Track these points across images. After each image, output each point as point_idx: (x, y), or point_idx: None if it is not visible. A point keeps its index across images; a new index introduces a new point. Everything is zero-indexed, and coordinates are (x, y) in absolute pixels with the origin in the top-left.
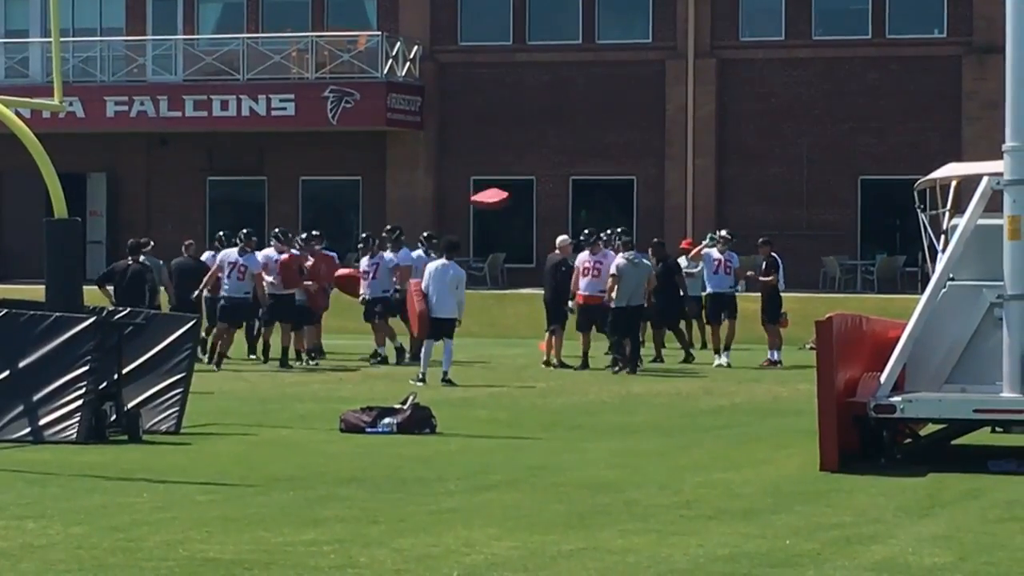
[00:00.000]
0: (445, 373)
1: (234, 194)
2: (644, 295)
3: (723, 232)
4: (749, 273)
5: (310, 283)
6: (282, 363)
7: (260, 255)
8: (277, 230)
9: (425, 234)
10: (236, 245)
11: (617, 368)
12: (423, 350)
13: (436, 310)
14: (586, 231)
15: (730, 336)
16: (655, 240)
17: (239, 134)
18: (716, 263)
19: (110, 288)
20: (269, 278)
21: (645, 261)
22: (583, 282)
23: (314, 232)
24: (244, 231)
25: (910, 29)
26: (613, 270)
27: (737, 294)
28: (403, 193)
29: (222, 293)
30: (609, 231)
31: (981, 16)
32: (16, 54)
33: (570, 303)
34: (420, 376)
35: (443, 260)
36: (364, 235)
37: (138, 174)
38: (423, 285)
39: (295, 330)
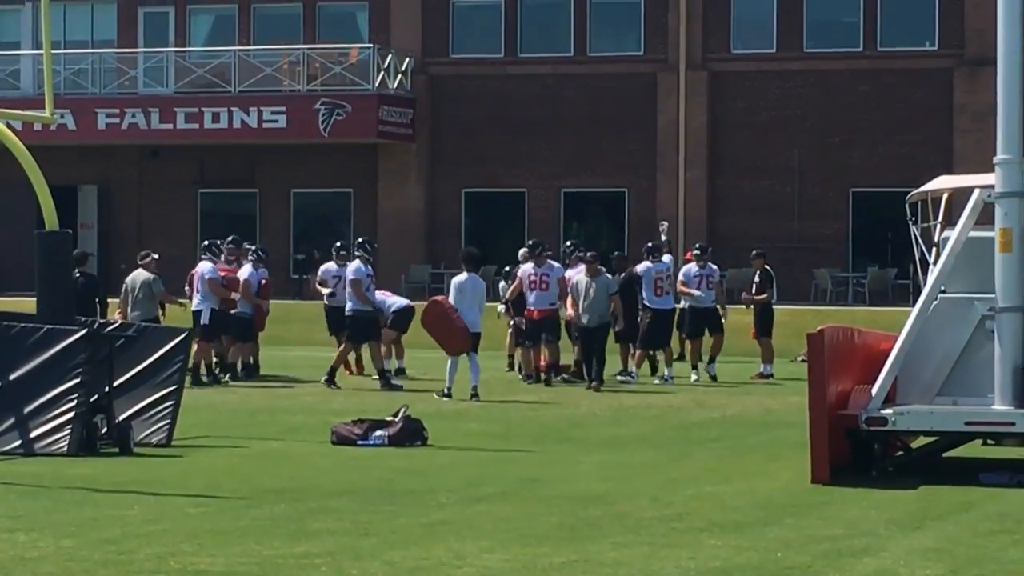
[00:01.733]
0: (475, 387)
1: (225, 206)
2: (610, 312)
3: (697, 245)
4: (744, 295)
5: (234, 294)
6: (197, 378)
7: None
8: (207, 243)
9: (360, 240)
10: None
11: (588, 385)
12: (450, 365)
13: (467, 324)
14: (530, 243)
15: (716, 349)
16: (615, 253)
17: (230, 146)
18: (697, 278)
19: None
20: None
21: (606, 276)
22: (532, 295)
23: (234, 239)
24: (216, 241)
25: (902, 42)
26: (572, 286)
27: (727, 307)
28: (395, 205)
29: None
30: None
31: (972, 29)
32: (7, 66)
33: (500, 308)
34: (446, 391)
35: (466, 273)
36: (338, 243)
37: (129, 186)
38: (451, 299)
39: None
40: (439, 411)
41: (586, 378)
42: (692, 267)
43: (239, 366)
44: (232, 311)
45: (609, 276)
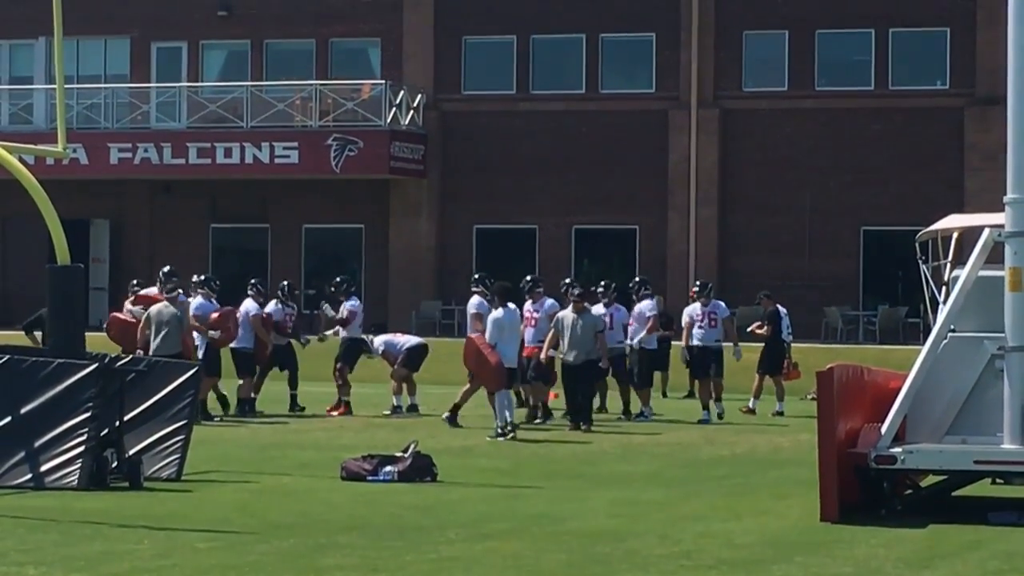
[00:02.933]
0: (510, 423)
1: (237, 241)
2: (597, 350)
3: (697, 282)
4: (749, 329)
5: (214, 332)
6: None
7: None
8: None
9: (252, 281)
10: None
11: (574, 427)
12: (498, 400)
13: (505, 360)
14: (528, 278)
15: (717, 389)
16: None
17: (242, 181)
18: (700, 316)
19: (37, 334)
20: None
21: (592, 313)
22: (528, 332)
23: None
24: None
25: (913, 81)
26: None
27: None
28: (406, 241)
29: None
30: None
31: (984, 68)
32: (20, 100)
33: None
34: (501, 429)
35: (501, 309)
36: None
37: (141, 221)
38: (488, 335)
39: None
40: (448, 447)
41: (569, 418)
42: (696, 306)
43: (239, 401)
44: (232, 346)
45: (596, 314)
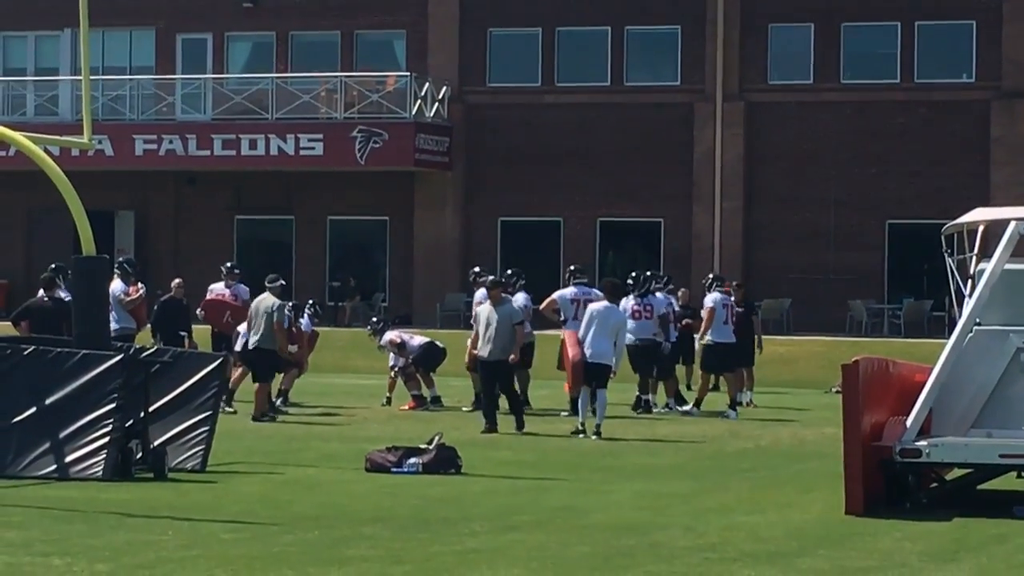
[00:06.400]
0: (598, 426)
1: (262, 233)
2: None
3: (710, 275)
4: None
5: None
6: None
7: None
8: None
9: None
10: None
11: (485, 428)
12: (580, 399)
13: (592, 355)
14: (508, 271)
15: (670, 385)
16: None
17: (267, 173)
18: (725, 309)
19: (23, 324)
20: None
21: (511, 304)
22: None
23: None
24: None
25: (939, 74)
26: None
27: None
28: (430, 233)
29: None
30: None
31: (1010, 61)
32: (46, 92)
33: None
34: (581, 427)
35: (605, 303)
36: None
37: (166, 212)
38: (582, 330)
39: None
40: (473, 439)
41: (484, 420)
42: (714, 296)
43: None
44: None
45: (515, 305)
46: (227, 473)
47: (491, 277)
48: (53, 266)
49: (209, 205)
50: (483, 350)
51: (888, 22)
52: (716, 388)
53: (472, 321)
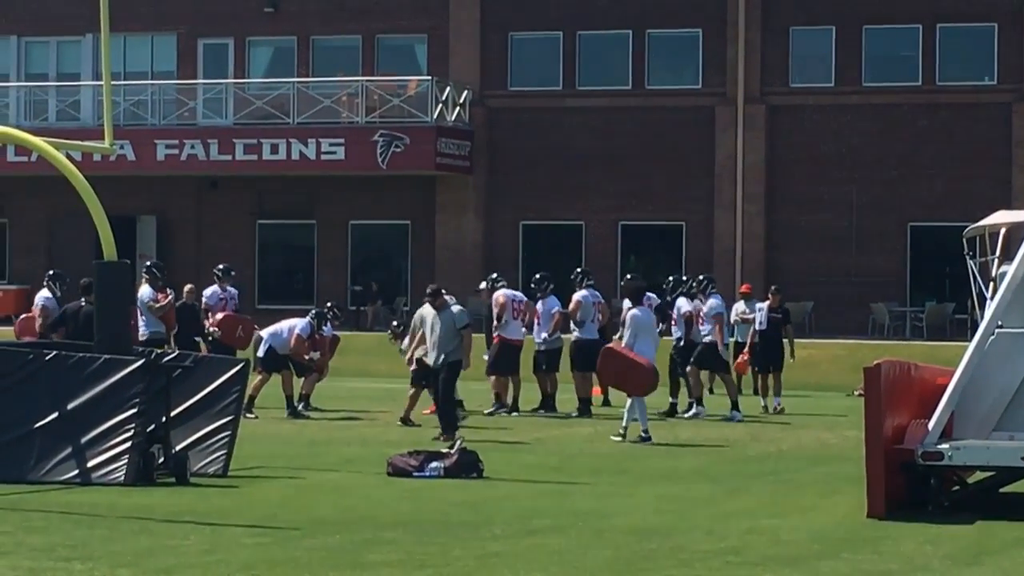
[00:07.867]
0: (645, 430)
1: (283, 238)
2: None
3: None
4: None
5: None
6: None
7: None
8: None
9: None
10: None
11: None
12: (638, 405)
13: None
14: (537, 275)
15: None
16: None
17: (289, 178)
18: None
19: (60, 331)
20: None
21: (452, 309)
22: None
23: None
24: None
25: (960, 76)
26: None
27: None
28: (452, 237)
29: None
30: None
31: None
32: (67, 97)
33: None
34: (645, 433)
35: (638, 309)
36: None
37: (188, 217)
38: (627, 338)
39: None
40: (495, 443)
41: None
42: (740, 304)
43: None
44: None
45: (456, 309)
46: (249, 477)
47: (433, 286)
48: (51, 272)
49: (231, 210)
50: (429, 356)
51: (909, 24)
52: (711, 391)
53: (412, 327)
